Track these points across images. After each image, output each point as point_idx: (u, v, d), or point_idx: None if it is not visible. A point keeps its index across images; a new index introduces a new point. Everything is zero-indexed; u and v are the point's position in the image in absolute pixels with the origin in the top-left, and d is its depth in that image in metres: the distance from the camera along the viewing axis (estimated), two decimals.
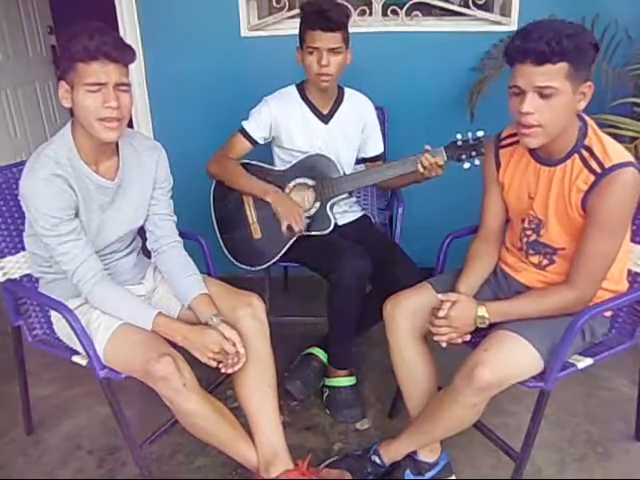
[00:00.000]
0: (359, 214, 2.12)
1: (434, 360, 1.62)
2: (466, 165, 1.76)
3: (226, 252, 2.02)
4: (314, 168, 1.94)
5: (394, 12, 2.43)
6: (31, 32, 3.58)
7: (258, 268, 2.00)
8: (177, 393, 1.40)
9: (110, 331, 1.47)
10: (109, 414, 1.56)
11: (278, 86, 1.99)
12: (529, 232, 1.51)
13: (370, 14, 2.46)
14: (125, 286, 1.58)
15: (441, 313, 1.44)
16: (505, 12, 2.42)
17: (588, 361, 1.48)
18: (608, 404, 1.97)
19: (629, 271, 1.57)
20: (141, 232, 1.70)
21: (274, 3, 2.44)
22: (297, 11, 2.30)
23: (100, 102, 1.35)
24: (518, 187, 1.51)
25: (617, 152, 1.35)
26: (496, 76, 2.15)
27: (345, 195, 1.99)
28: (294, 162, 1.97)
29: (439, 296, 1.48)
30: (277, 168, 2.02)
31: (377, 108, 2.12)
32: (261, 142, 1.97)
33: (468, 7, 2.41)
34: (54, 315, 1.61)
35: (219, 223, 2.03)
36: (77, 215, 1.46)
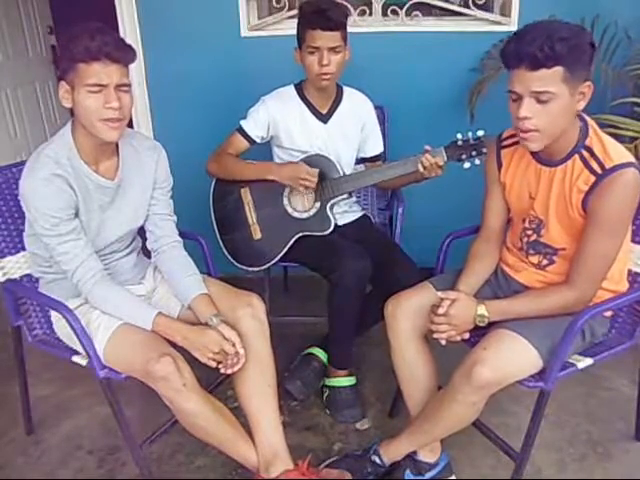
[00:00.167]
0: (359, 214, 2.12)
1: (434, 360, 1.62)
2: (466, 165, 1.75)
3: (226, 253, 2.02)
4: (314, 168, 1.94)
5: (394, 12, 2.43)
6: (31, 32, 3.58)
7: (258, 269, 2.00)
8: (177, 393, 1.40)
9: (110, 331, 1.47)
10: (109, 414, 1.56)
11: (278, 86, 1.99)
12: (529, 232, 1.52)
13: (370, 14, 2.46)
14: (125, 286, 1.58)
15: (441, 311, 1.44)
16: (505, 12, 2.42)
17: (588, 361, 1.48)
18: (608, 404, 1.97)
19: (629, 271, 1.57)
20: (141, 232, 1.70)
21: (274, 3, 2.44)
22: (297, 11, 2.29)
23: (101, 103, 1.36)
24: (519, 187, 1.51)
25: (618, 152, 1.35)
26: (496, 77, 2.15)
27: (345, 195, 1.99)
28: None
29: (439, 294, 1.49)
30: None
31: (377, 108, 2.12)
32: (258, 141, 1.97)
33: (468, 7, 2.41)
34: (54, 315, 1.61)
35: (219, 224, 2.03)
36: (77, 215, 1.46)
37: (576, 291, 1.40)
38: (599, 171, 1.33)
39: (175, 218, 1.70)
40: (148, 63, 2.51)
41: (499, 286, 1.62)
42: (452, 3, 2.48)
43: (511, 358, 1.37)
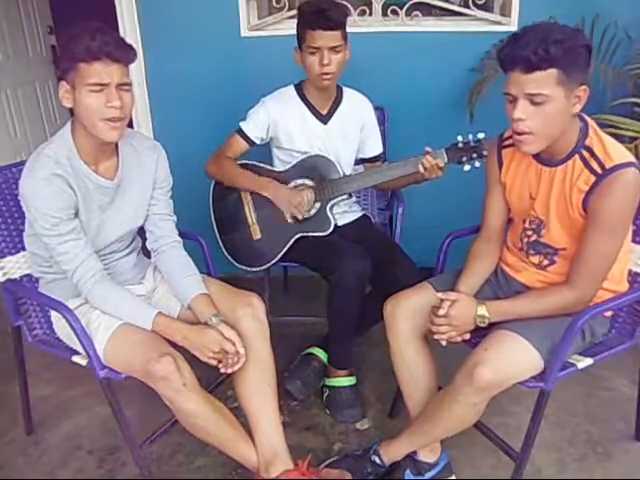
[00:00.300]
0: (359, 214, 2.12)
1: (434, 360, 1.62)
2: (466, 167, 1.76)
3: (226, 253, 2.02)
4: (314, 169, 1.94)
5: (394, 12, 2.43)
6: (31, 32, 3.58)
7: (258, 269, 2.00)
8: (177, 393, 1.40)
9: (110, 331, 1.47)
10: (109, 414, 1.56)
11: (278, 86, 1.99)
12: (530, 232, 1.52)
13: (370, 14, 2.46)
14: (125, 286, 1.58)
15: (441, 312, 1.44)
16: (505, 12, 2.42)
17: (588, 361, 1.48)
18: (608, 404, 1.97)
19: (629, 271, 1.57)
20: (141, 232, 1.70)
21: (274, 3, 2.44)
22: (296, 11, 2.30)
23: (103, 102, 1.36)
24: (520, 187, 1.51)
25: (618, 152, 1.35)
26: (495, 77, 2.15)
27: (345, 196, 1.99)
28: (294, 163, 1.97)
29: (439, 295, 1.49)
30: (276, 169, 2.01)
31: (377, 108, 2.12)
32: (258, 142, 1.97)
33: (468, 7, 2.41)
34: (54, 315, 1.61)
35: (219, 224, 2.03)
36: (77, 215, 1.46)
37: (577, 291, 1.40)
38: (599, 171, 1.33)
39: (175, 218, 1.70)
40: (148, 63, 2.51)
41: (499, 286, 1.62)
42: (452, 3, 2.48)
43: (512, 359, 1.37)
